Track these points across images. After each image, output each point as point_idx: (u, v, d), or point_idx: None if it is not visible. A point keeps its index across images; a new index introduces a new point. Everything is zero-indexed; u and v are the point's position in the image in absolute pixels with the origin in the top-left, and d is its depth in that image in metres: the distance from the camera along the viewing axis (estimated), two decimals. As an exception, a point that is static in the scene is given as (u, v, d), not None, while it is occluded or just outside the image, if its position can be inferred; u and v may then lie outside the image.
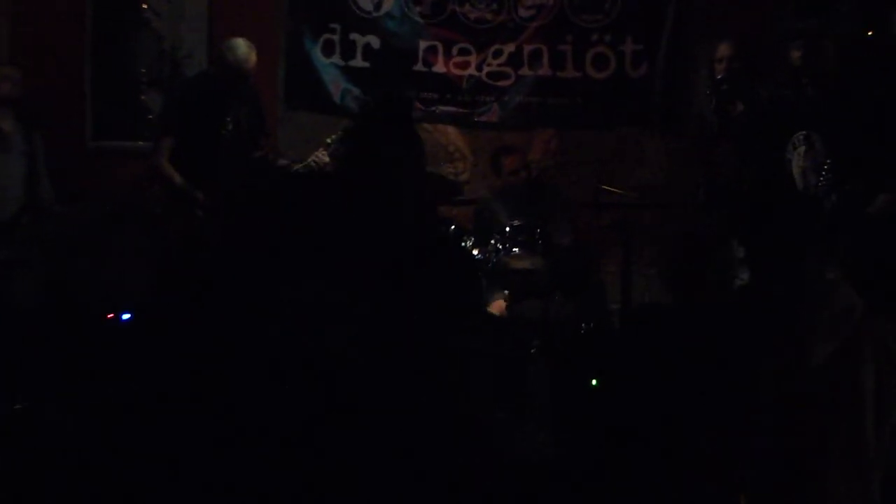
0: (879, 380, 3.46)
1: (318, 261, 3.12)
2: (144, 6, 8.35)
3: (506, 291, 6.90)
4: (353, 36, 8.38)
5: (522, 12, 8.37)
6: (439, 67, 8.40)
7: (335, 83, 8.39)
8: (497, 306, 6.84)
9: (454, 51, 8.40)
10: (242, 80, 6.99)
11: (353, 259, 3.05)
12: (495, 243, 7.10)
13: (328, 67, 8.39)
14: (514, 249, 7.10)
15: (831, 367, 3.55)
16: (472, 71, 8.41)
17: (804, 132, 6.01)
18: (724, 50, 6.71)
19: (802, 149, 6.01)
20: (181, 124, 6.93)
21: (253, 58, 6.92)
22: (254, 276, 3.19)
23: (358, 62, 8.40)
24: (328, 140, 6.98)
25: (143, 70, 8.37)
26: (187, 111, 6.95)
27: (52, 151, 7.54)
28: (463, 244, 7.05)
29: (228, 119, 6.97)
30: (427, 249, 3.23)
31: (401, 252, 3.14)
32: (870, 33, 7.20)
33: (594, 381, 6.29)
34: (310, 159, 6.97)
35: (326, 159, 6.87)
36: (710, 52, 6.89)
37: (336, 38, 8.38)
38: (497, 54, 8.40)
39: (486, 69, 8.41)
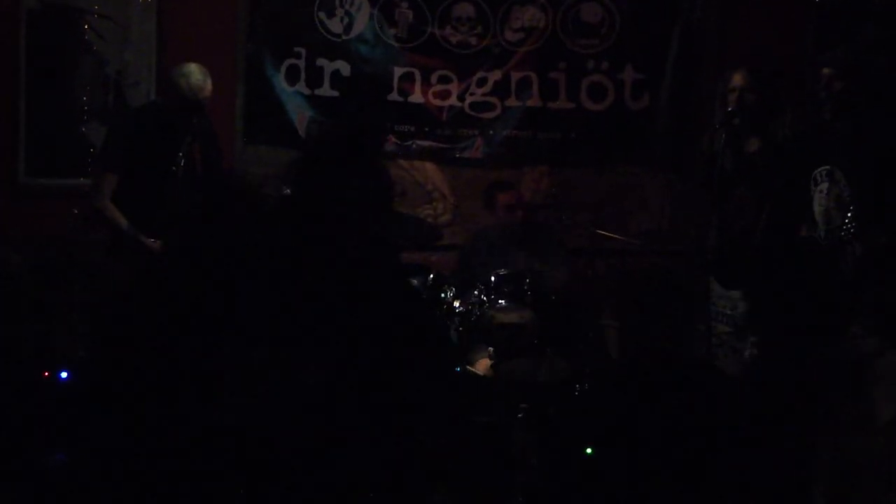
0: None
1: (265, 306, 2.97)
2: (86, 27, 8.15)
3: (490, 348, 6.67)
4: (321, 61, 8.21)
5: (510, 36, 8.23)
6: (417, 97, 8.23)
7: (300, 113, 8.22)
8: (481, 365, 6.65)
9: (433, 79, 8.24)
10: (196, 111, 6.76)
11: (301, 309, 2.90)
12: (479, 294, 6.89)
13: (292, 96, 8.21)
14: (499, 301, 6.87)
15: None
16: (453, 101, 8.26)
17: (827, 167, 5.77)
18: (736, 80, 6.56)
19: (825, 185, 5.79)
20: (126, 160, 6.70)
21: (208, 85, 6.71)
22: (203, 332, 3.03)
23: (326, 90, 8.21)
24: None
25: (84, 99, 8.14)
26: (133, 145, 6.72)
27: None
28: (443, 295, 6.84)
29: (180, 154, 6.71)
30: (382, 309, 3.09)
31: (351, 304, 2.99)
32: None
33: (589, 450, 6.08)
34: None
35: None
36: (720, 83, 6.69)
37: (301, 63, 8.20)
38: (481, 83, 8.25)
39: (468, 99, 8.26)
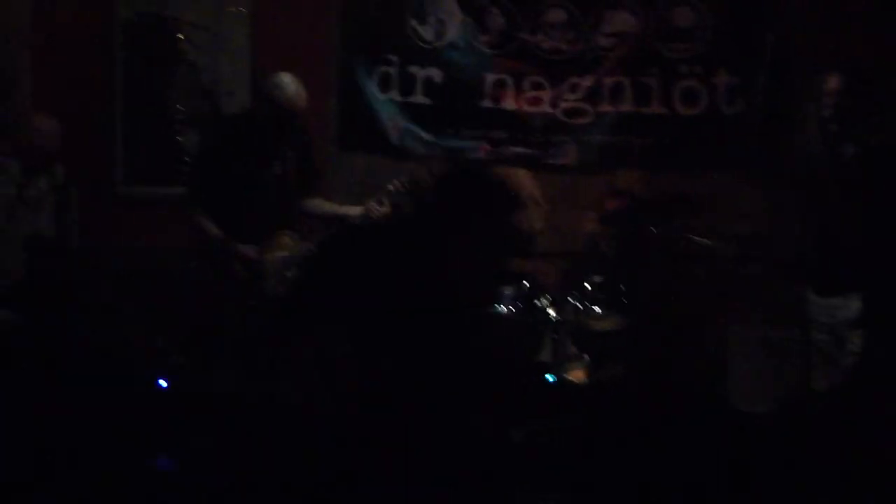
0: None
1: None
2: (181, 37, 8.38)
3: (586, 356, 6.80)
4: (413, 69, 8.38)
5: (602, 41, 8.28)
6: (509, 103, 8.35)
7: (393, 121, 8.39)
8: (577, 373, 6.73)
9: (525, 85, 8.34)
10: (290, 121, 6.86)
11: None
12: (574, 302, 6.98)
13: (385, 104, 8.39)
14: (594, 308, 6.99)
15: None
16: (545, 107, 8.35)
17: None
18: (832, 84, 6.56)
19: None
20: (220, 168, 6.82)
21: (302, 95, 6.80)
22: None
23: (418, 98, 8.39)
24: (390, 187, 6.90)
25: (179, 108, 8.41)
26: (227, 154, 6.84)
27: (79, 198, 7.55)
28: (537, 303, 6.97)
29: (275, 163, 6.86)
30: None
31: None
32: None
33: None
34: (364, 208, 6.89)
35: (385, 210, 6.78)
36: (815, 87, 6.74)
37: (394, 71, 8.39)
38: (573, 89, 8.31)
39: (561, 105, 8.33)
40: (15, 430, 5.81)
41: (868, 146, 6.42)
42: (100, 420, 6.16)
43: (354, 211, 6.93)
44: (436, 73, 8.36)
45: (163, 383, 6.90)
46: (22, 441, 5.79)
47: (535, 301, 7.02)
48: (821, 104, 6.60)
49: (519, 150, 8.37)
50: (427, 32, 8.35)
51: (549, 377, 6.75)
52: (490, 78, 8.34)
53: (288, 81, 6.77)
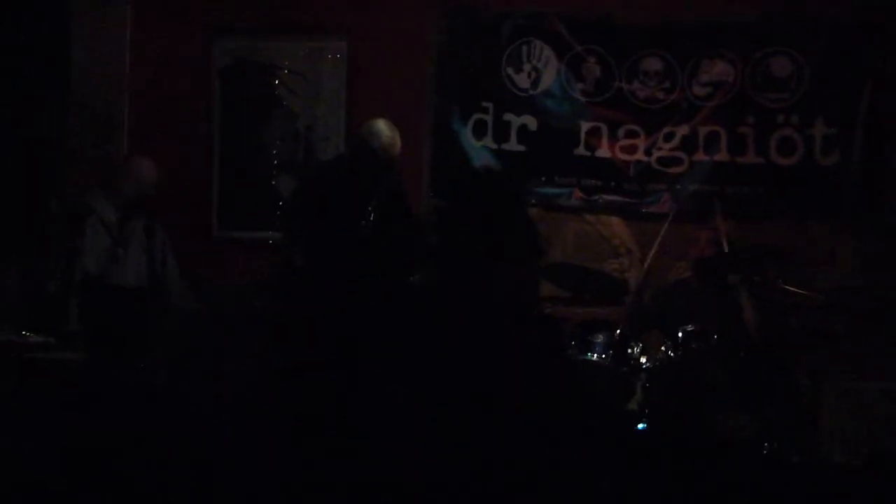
0: None
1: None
2: (277, 82, 8.52)
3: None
4: (508, 116, 8.47)
5: (698, 90, 8.33)
6: (604, 151, 8.40)
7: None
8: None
9: (620, 133, 8.39)
10: (386, 168, 6.91)
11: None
12: (666, 350, 7.02)
13: (479, 151, 8.48)
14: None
15: None
16: (640, 156, 8.40)
17: None
18: None
19: None
20: (315, 213, 6.89)
21: (398, 143, 6.87)
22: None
23: (513, 145, 8.47)
24: None
25: (275, 153, 8.54)
26: (322, 199, 6.91)
27: (174, 242, 7.65)
28: (629, 351, 7.02)
29: (370, 209, 6.80)
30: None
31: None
32: None
33: None
34: None
35: None
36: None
37: (489, 118, 8.48)
38: (669, 137, 8.37)
39: (655, 154, 8.38)
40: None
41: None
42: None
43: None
44: (530, 121, 8.43)
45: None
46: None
47: (628, 349, 7.05)
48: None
49: (613, 198, 8.41)
50: (522, 80, 8.44)
51: (641, 426, 6.80)
52: (585, 126, 8.40)
53: (384, 129, 6.83)
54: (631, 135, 8.38)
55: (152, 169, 7.48)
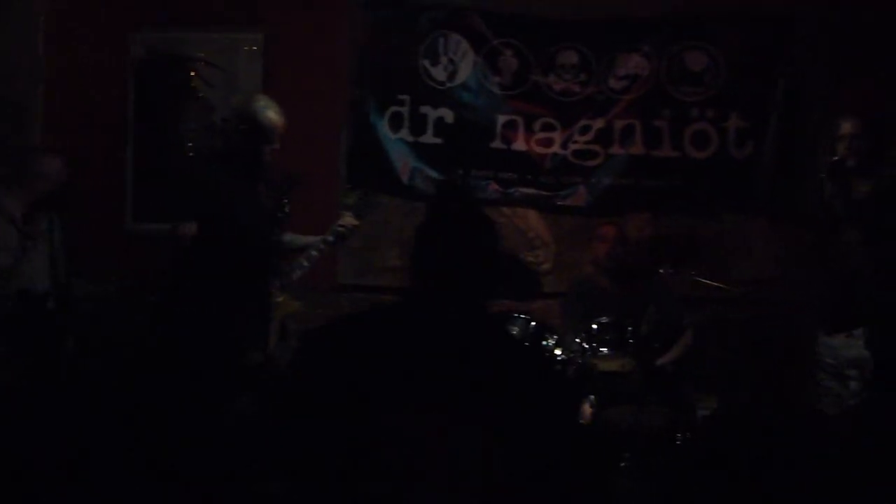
0: None
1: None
2: (193, 74, 8.50)
3: (591, 397, 6.83)
4: (425, 109, 8.48)
5: (614, 84, 8.37)
6: (520, 145, 8.43)
7: (403, 161, 8.47)
8: (582, 413, 6.75)
9: (536, 126, 8.42)
10: (269, 141, 6.55)
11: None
12: (580, 342, 7.04)
13: (395, 143, 8.48)
14: (601, 349, 7.05)
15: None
16: (556, 149, 8.42)
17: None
18: (847, 128, 6.68)
19: None
20: (202, 203, 6.62)
21: (282, 120, 6.54)
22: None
23: (429, 138, 8.47)
24: (349, 201, 6.94)
25: (191, 145, 8.47)
26: (208, 188, 6.62)
27: (86, 234, 7.59)
28: (545, 343, 7.03)
29: (255, 192, 6.63)
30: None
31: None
32: None
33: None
34: (334, 226, 6.73)
35: (355, 221, 6.76)
36: (829, 130, 6.84)
37: (405, 110, 8.48)
38: (584, 130, 8.39)
39: (571, 147, 8.41)
40: None
41: (879, 188, 6.52)
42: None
43: (314, 240, 6.73)
44: (447, 114, 8.45)
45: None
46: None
47: (542, 341, 7.08)
48: (833, 147, 6.71)
49: (529, 190, 8.44)
50: (439, 73, 8.45)
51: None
52: (501, 119, 8.42)
53: (269, 101, 6.60)
54: (547, 128, 8.41)
55: (60, 165, 7.32)
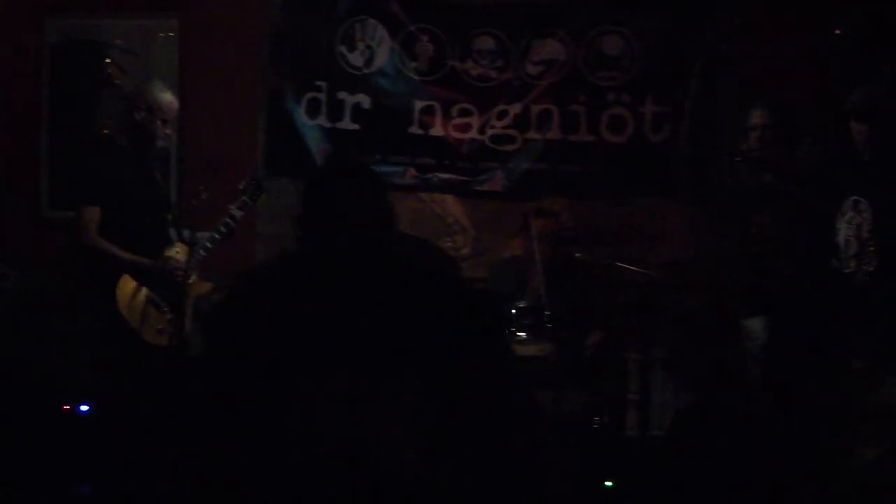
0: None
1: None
2: (109, 61, 8.43)
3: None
4: (342, 95, 8.46)
5: (530, 69, 8.39)
6: (437, 130, 8.43)
7: (321, 147, 8.46)
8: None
9: (454, 112, 8.43)
10: (166, 124, 6.74)
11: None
12: (498, 327, 7.06)
13: (313, 129, 8.47)
14: (519, 334, 7.09)
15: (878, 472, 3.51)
16: (473, 134, 8.43)
17: (854, 198, 6.02)
18: (758, 117, 6.73)
19: (849, 215, 6.03)
20: (104, 189, 6.63)
21: (176, 103, 6.76)
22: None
23: (346, 124, 8.46)
24: (241, 186, 6.94)
25: (107, 132, 8.35)
26: (109, 173, 6.67)
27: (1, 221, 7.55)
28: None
29: (152, 177, 6.84)
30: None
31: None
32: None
33: (609, 483, 6.33)
34: (224, 219, 6.78)
35: (239, 213, 6.79)
36: (742, 118, 6.91)
37: (322, 97, 8.47)
38: (502, 116, 8.42)
39: (489, 132, 8.42)
40: None
41: (791, 172, 6.60)
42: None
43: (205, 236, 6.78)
44: (364, 100, 8.44)
45: (84, 408, 6.97)
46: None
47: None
48: (746, 135, 6.78)
49: (446, 176, 8.47)
50: (356, 59, 8.44)
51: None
52: (419, 104, 8.43)
53: (164, 86, 6.78)
54: (464, 113, 8.42)
55: None
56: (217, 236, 6.74)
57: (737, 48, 8.23)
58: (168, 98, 6.72)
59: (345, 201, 3.24)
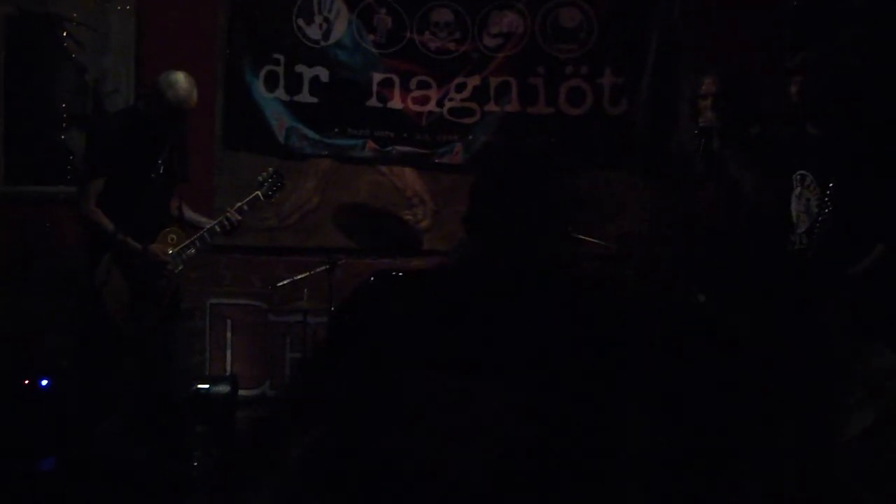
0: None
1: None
2: (65, 34, 8.41)
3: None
4: (300, 68, 8.46)
5: (488, 41, 8.45)
6: (395, 103, 8.47)
7: (279, 120, 8.45)
8: None
9: (412, 84, 8.47)
10: (180, 120, 6.91)
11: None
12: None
13: (271, 102, 8.46)
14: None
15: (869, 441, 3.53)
16: (432, 107, 8.48)
17: (802, 172, 6.08)
18: (709, 85, 6.74)
19: (798, 190, 6.08)
20: (110, 166, 6.80)
21: (194, 95, 6.81)
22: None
23: (305, 97, 8.47)
24: (259, 178, 7.10)
25: (63, 106, 8.41)
26: (115, 150, 6.82)
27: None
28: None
29: (160, 161, 6.87)
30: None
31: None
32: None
33: None
34: (220, 218, 7.02)
35: (238, 217, 6.96)
36: (692, 87, 6.95)
37: (280, 69, 8.46)
38: (460, 88, 8.47)
39: (447, 105, 8.48)
40: None
41: (742, 142, 6.64)
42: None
43: (209, 223, 7.04)
44: (322, 73, 8.45)
45: (44, 383, 7.00)
46: None
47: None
48: (696, 105, 6.80)
49: (406, 149, 8.50)
50: (314, 31, 8.44)
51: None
52: (377, 77, 8.45)
53: (181, 80, 6.77)
54: (423, 86, 8.47)
55: None
56: (218, 229, 6.98)
57: (693, 19, 8.32)
58: (185, 90, 6.80)
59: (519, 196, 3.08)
